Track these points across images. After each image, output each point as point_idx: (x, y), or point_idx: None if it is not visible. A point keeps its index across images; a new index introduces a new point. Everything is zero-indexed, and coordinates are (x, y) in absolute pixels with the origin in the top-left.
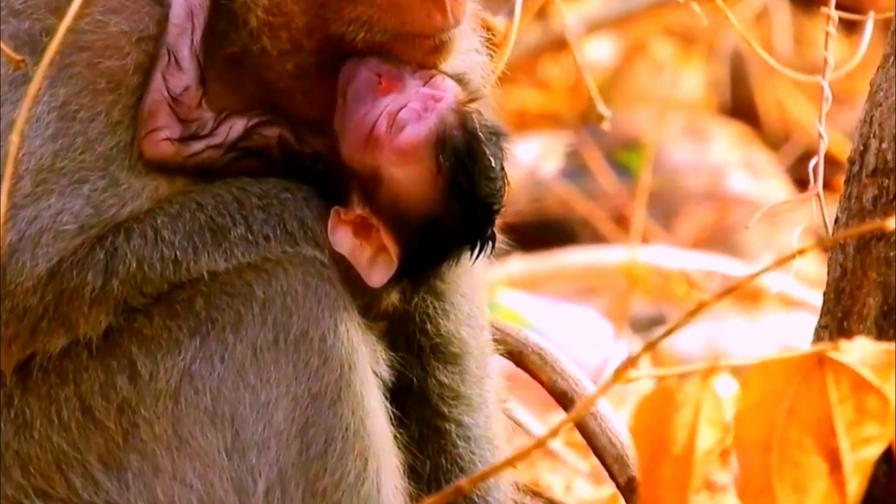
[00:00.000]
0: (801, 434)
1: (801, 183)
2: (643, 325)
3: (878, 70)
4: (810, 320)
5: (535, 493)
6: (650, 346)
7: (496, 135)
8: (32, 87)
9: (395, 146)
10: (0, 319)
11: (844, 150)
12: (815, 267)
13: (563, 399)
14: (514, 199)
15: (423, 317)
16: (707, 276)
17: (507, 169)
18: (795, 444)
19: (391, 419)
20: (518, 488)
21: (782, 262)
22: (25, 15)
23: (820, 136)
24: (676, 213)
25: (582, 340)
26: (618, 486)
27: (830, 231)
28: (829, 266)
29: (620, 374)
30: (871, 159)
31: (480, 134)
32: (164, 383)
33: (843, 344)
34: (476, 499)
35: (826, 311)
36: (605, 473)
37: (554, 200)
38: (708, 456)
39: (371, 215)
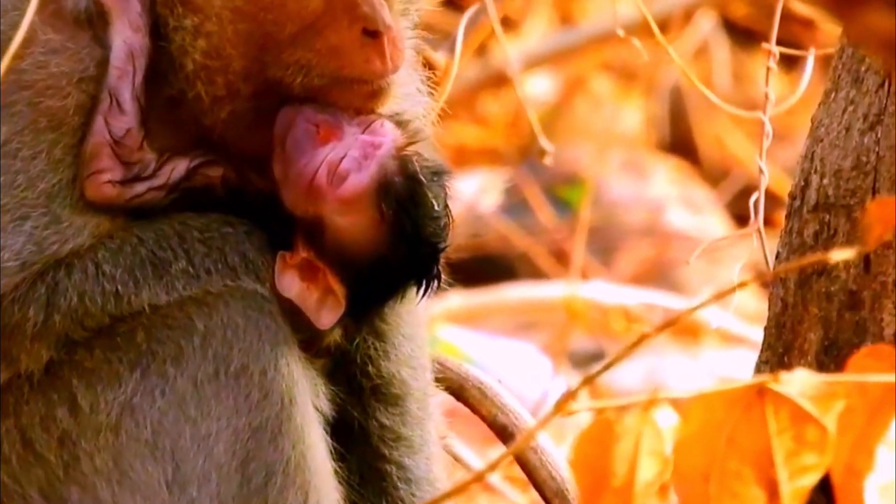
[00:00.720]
0: (740, 464)
1: (741, 219)
2: (582, 361)
3: (819, 106)
4: (749, 356)
5: None
6: (590, 379)
7: (438, 174)
8: None
9: (336, 197)
10: None
11: (784, 186)
12: (754, 303)
13: (504, 433)
14: (454, 235)
15: (365, 358)
16: (647, 311)
17: (449, 206)
18: (734, 475)
19: (332, 453)
20: None
21: (722, 295)
22: None
23: (760, 171)
24: (616, 248)
25: (521, 375)
26: None
27: (771, 266)
28: (770, 301)
29: (561, 406)
30: (812, 195)
31: (421, 177)
32: (105, 416)
33: (784, 375)
34: None
35: (767, 345)
36: None
37: (493, 236)
38: (649, 488)
39: (316, 258)
